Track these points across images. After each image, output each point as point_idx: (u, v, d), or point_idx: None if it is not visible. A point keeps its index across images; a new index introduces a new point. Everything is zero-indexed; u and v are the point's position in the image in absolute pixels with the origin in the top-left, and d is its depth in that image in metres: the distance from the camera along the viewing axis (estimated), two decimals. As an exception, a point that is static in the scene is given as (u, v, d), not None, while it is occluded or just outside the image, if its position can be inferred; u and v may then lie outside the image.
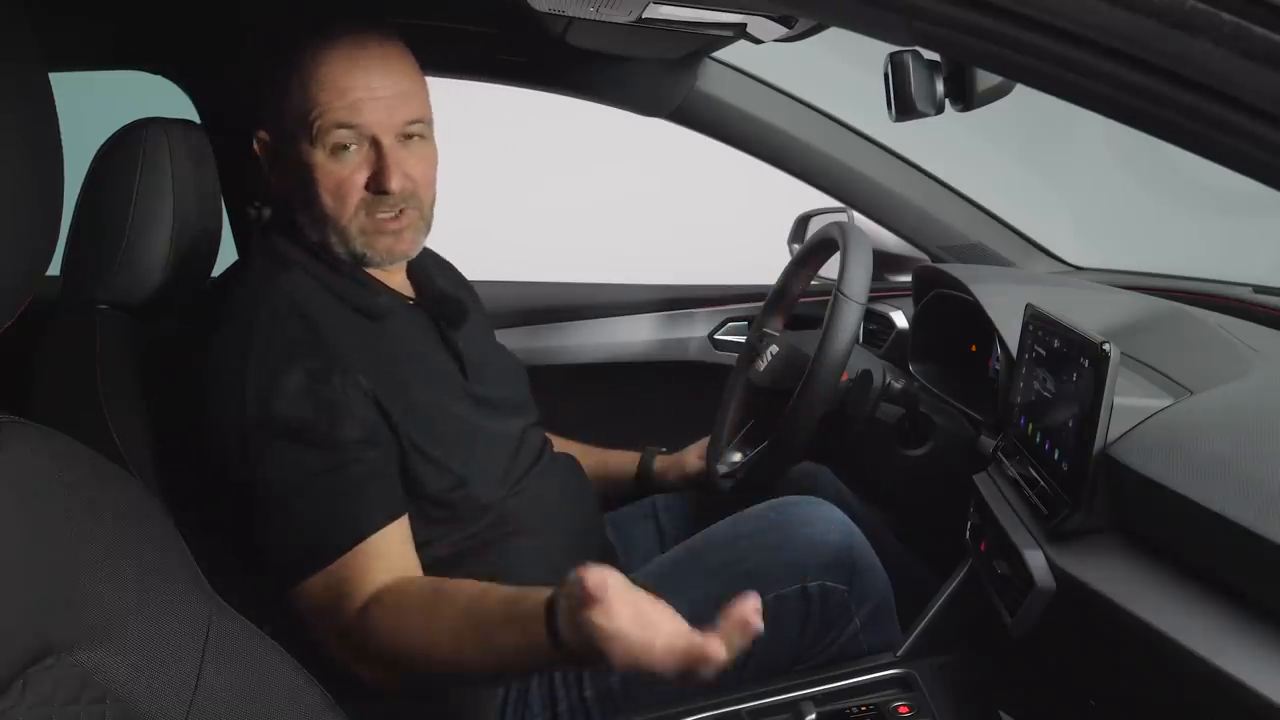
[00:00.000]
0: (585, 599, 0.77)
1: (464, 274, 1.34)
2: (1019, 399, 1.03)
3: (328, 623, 0.96)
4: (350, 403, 0.99)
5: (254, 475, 0.96)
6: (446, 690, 1.08)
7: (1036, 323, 0.99)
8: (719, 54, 1.55)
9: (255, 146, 1.10)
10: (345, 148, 1.03)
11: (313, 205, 1.06)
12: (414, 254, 1.12)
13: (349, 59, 1.02)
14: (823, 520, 1.13)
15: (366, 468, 0.99)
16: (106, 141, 1.07)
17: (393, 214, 1.06)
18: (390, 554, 0.98)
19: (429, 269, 1.22)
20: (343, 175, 1.04)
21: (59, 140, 0.62)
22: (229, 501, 0.98)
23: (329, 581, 0.96)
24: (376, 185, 1.04)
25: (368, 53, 1.04)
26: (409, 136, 1.06)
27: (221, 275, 1.16)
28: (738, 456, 1.39)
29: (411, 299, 1.17)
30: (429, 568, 1.01)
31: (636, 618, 0.78)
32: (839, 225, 1.30)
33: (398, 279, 1.16)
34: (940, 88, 0.95)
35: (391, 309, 1.11)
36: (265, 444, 0.96)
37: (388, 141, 1.04)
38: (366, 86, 1.02)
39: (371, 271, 1.11)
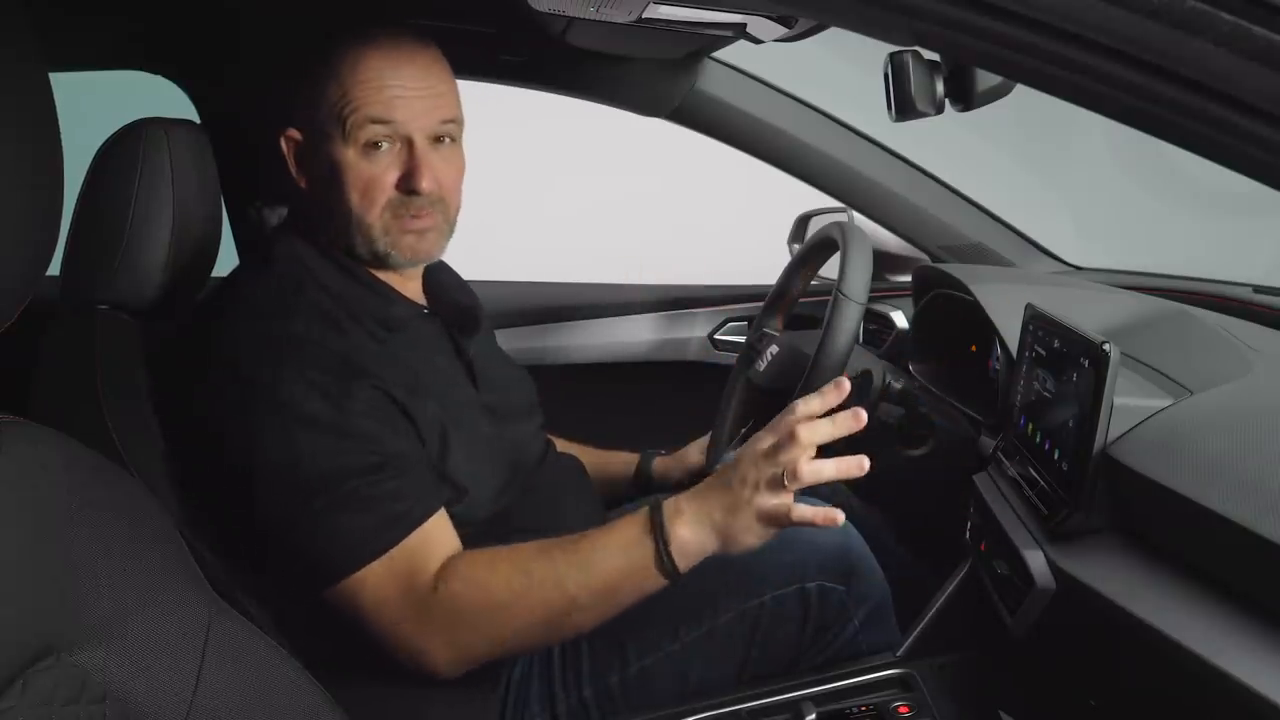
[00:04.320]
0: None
1: (464, 275, 1.34)
2: (1019, 399, 1.03)
3: (397, 604, 0.95)
4: (390, 415, 1.00)
5: (295, 473, 0.95)
6: (446, 691, 1.07)
7: (1036, 323, 0.99)
8: (719, 54, 1.55)
9: (283, 145, 1.09)
10: (377, 146, 1.04)
11: (340, 204, 1.06)
12: (436, 256, 1.13)
13: (386, 57, 1.04)
14: (821, 520, 1.13)
15: (411, 461, 1.00)
16: (106, 141, 1.07)
17: (418, 215, 1.07)
18: (446, 534, 1.00)
19: (440, 277, 1.23)
20: (373, 173, 1.04)
21: (59, 140, 0.62)
22: (250, 501, 0.97)
23: (393, 565, 0.95)
24: (407, 185, 1.05)
25: (404, 52, 1.05)
26: (439, 139, 1.07)
27: (231, 276, 1.14)
28: (737, 456, 1.39)
29: (426, 308, 1.17)
30: None
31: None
32: (839, 225, 1.30)
33: (412, 287, 1.16)
34: (940, 88, 0.95)
35: (407, 319, 1.11)
36: (310, 442, 0.95)
37: (420, 142, 1.05)
38: (402, 85, 1.04)
39: (388, 279, 1.11)
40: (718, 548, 0.97)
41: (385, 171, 1.04)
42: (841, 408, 0.96)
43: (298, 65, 1.09)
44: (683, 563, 0.96)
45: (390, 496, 0.97)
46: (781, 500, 0.93)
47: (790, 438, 0.93)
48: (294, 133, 1.09)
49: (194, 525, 1.01)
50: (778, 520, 0.94)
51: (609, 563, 0.96)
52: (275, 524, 0.96)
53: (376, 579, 0.95)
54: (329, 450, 0.96)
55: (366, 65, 1.03)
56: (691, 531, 0.96)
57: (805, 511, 0.94)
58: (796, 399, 1.17)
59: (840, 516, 0.94)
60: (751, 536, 0.96)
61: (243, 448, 0.97)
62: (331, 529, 0.95)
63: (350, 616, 0.96)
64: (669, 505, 0.98)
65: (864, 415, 0.94)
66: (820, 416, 0.95)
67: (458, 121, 1.09)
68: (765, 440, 0.96)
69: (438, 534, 0.99)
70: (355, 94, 1.03)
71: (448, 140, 1.08)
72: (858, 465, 0.94)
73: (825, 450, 1.07)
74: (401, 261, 1.09)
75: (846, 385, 0.96)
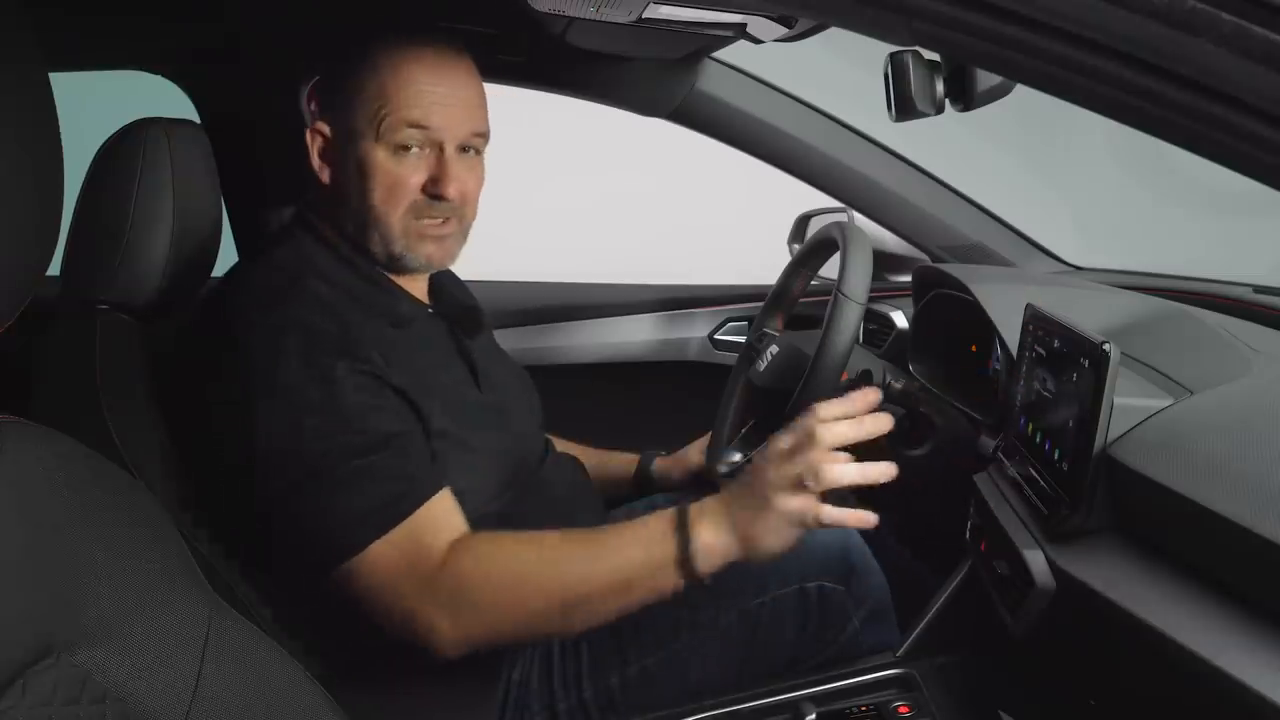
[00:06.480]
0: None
1: (465, 274, 1.34)
2: (1019, 399, 1.03)
3: (403, 581, 0.94)
4: (389, 399, 1.00)
5: (296, 454, 0.95)
6: (445, 691, 1.07)
7: (1036, 323, 0.99)
8: (719, 54, 1.56)
9: (308, 138, 1.10)
10: (408, 149, 1.05)
11: (362, 201, 1.07)
12: (449, 264, 1.15)
13: (429, 64, 1.05)
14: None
15: (413, 443, 1.00)
16: (106, 141, 1.07)
17: (439, 220, 1.08)
18: (452, 514, 0.99)
19: (441, 278, 1.23)
20: (400, 174, 1.06)
21: (59, 140, 0.62)
22: (252, 487, 0.96)
23: (397, 544, 0.94)
24: (433, 189, 1.06)
25: (447, 61, 1.07)
26: (466, 150, 1.09)
27: (230, 271, 1.15)
28: (738, 456, 1.39)
29: (431, 308, 1.18)
30: None
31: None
32: (839, 225, 1.30)
33: (419, 287, 1.17)
34: (940, 88, 0.95)
35: (414, 316, 1.12)
36: (311, 424, 0.95)
37: (449, 149, 1.07)
38: (442, 93, 1.06)
39: (395, 278, 1.12)
40: (740, 551, 0.95)
41: (412, 173, 1.06)
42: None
43: (334, 62, 1.09)
44: (704, 564, 0.94)
45: (392, 475, 0.96)
46: (806, 501, 0.91)
47: (808, 438, 0.92)
48: (323, 126, 1.10)
49: (195, 524, 1.01)
50: (804, 522, 0.92)
51: (628, 555, 0.95)
52: (278, 507, 0.96)
53: (381, 557, 0.94)
54: (329, 431, 0.95)
55: (410, 69, 1.05)
56: (714, 533, 0.94)
57: (834, 513, 0.91)
58: (796, 399, 1.18)
59: (872, 518, 0.91)
60: (775, 539, 0.94)
61: (244, 434, 0.97)
62: (334, 509, 0.95)
63: (356, 597, 0.96)
64: (695, 506, 0.96)
65: (889, 416, 0.91)
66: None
67: (485, 135, 1.11)
68: (783, 440, 0.94)
69: (443, 514, 0.98)
70: (395, 96, 1.04)
71: (472, 151, 1.10)
72: (883, 472, 0.91)
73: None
74: (417, 265, 1.11)
75: (875, 396, 0.94)
